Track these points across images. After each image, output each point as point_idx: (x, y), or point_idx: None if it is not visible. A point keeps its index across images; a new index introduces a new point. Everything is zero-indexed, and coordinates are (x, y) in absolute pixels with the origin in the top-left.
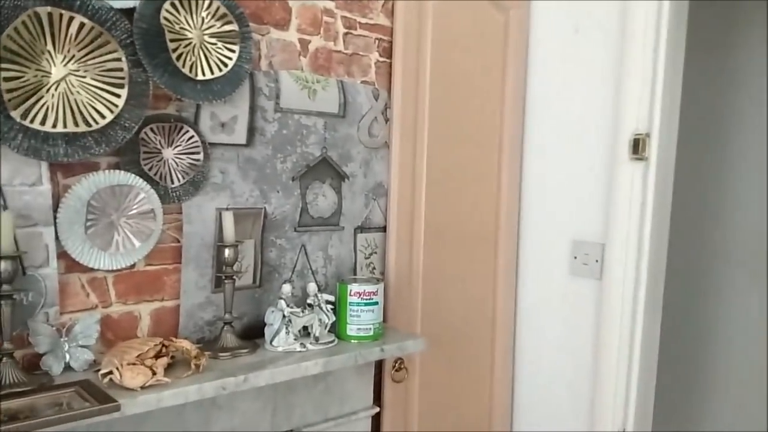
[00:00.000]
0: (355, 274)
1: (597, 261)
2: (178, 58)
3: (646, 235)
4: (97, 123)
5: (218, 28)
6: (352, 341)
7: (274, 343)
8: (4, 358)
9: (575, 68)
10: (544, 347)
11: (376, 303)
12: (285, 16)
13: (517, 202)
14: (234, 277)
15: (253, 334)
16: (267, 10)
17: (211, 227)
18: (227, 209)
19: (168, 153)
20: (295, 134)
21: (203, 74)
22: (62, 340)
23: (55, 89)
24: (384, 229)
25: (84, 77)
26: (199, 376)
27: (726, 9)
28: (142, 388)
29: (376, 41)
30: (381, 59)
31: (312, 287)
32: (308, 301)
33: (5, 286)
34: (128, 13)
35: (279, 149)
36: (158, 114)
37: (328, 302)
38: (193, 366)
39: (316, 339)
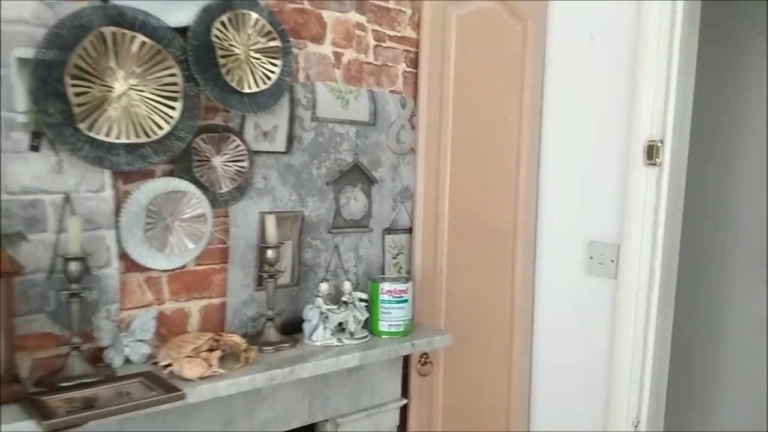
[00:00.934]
0: (383, 273)
1: (612, 261)
2: (227, 72)
3: (659, 236)
4: (155, 134)
5: (263, 44)
6: (384, 337)
7: (312, 337)
8: (73, 352)
9: (590, 75)
10: (561, 343)
11: (406, 300)
12: (321, 30)
13: (535, 205)
14: (275, 276)
15: (291, 329)
16: (305, 26)
17: (255, 230)
18: (270, 213)
19: (217, 161)
20: (329, 142)
21: (249, 87)
22: (122, 334)
23: (118, 103)
24: (410, 230)
25: (143, 91)
26: (249, 368)
27: (730, 14)
28: (200, 378)
29: (404, 53)
30: (408, 69)
31: (347, 286)
32: (343, 298)
33: (74, 285)
34: (182, 31)
35: (315, 156)
36: (208, 125)
37: (361, 300)
38: (242, 359)
39: (351, 334)
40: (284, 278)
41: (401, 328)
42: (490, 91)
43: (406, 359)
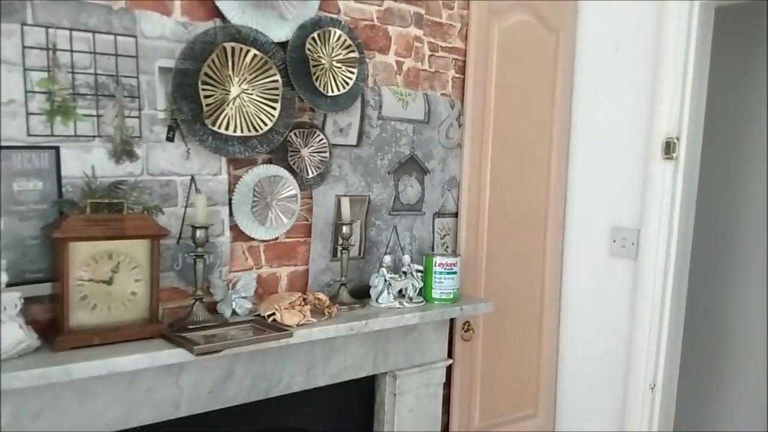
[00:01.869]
0: (433, 251)
1: (633, 244)
2: (316, 79)
3: (675, 222)
4: (261, 129)
5: (344, 55)
6: (437, 302)
7: (379, 300)
8: (197, 302)
9: (616, 81)
10: (586, 315)
11: (455, 272)
12: (387, 43)
13: (564, 194)
14: (349, 248)
15: (358, 294)
16: (374, 39)
17: (332, 210)
18: (344, 196)
19: (305, 152)
20: (391, 137)
21: (332, 91)
22: (230, 291)
23: (233, 103)
24: (456, 214)
25: (252, 94)
26: (332, 320)
27: (740, 18)
28: (297, 325)
29: (453, 61)
30: (456, 75)
31: (406, 258)
32: (403, 269)
33: (199, 249)
34: (282, 45)
35: (379, 149)
36: (299, 122)
37: (418, 271)
38: (327, 312)
39: (410, 299)
40: (353, 251)
41: (451, 296)
42: (526, 94)
43: (452, 326)
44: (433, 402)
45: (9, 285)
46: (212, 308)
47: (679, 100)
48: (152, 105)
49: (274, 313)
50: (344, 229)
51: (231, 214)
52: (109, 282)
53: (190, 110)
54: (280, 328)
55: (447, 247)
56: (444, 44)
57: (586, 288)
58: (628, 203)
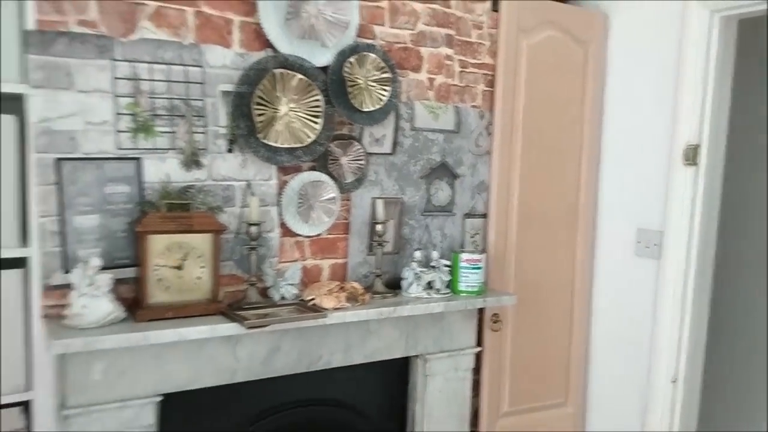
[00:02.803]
0: (462, 248)
1: (656, 245)
2: (353, 97)
3: (696, 224)
4: (305, 141)
5: (378, 76)
6: (462, 294)
7: (409, 291)
8: (251, 287)
9: (642, 89)
10: (613, 311)
11: (480, 268)
12: (418, 62)
13: (594, 198)
14: (383, 244)
15: (392, 285)
16: (407, 59)
17: (368, 210)
18: (379, 198)
19: (344, 160)
20: (423, 145)
21: (367, 107)
22: (279, 279)
23: (282, 120)
24: (485, 215)
25: (298, 111)
26: (364, 306)
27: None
28: (333, 309)
29: (483, 76)
30: (485, 89)
31: (435, 254)
32: (431, 263)
33: (253, 242)
34: (324, 68)
35: (412, 156)
36: (338, 134)
37: (446, 265)
38: (360, 299)
39: (437, 291)
40: (387, 247)
41: (476, 289)
42: (555, 103)
43: (481, 318)
44: (461, 385)
45: (102, 269)
46: (263, 292)
47: (699, 109)
48: (215, 122)
49: (314, 298)
50: (378, 227)
51: (280, 214)
52: (180, 268)
53: (246, 126)
54: (318, 310)
55: (477, 245)
56: (474, 61)
57: (613, 285)
58: (652, 206)
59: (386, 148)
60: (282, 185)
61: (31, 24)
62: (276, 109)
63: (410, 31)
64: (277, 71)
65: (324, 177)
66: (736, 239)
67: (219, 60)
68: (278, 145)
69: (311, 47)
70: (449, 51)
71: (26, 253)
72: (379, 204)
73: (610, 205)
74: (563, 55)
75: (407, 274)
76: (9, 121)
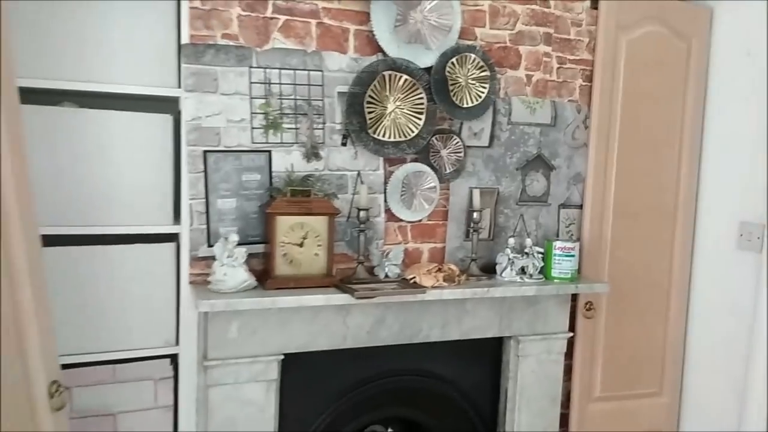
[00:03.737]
0: (557, 236)
1: (758, 238)
2: (454, 95)
3: None
4: (409, 135)
5: (477, 74)
6: (555, 280)
7: (503, 275)
8: (360, 265)
9: (746, 83)
10: (712, 305)
11: (573, 255)
12: (517, 60)
13: (695, 192)
14: (479, 230)
15: (486, 270)
16: (506, 58)
17: (465, 199)
18: (476, 188)
19: (444, 152)
20: (519, 139)
21: (467, 104)
22: (384, 260)
23: (389, 117)
24: (580, 206)
25: (403, 109)
26: (460, 286)
27: None
28: (432, 287)
29: (580, 71)
30: (583, 83)
31: (528, 241)
32: (525, 250)
33: (362, 225)
34: (427, 69)
35: (508, 149)
36: (439, 128)
37: (539, 252)
38: (456, 280)
39: (530, 276)
40: (483, 234)
41: (568, 275)
42: (655, 98)
43: (574, 305)
44: (554, 367)
45: (238, 244)
46: (370, 270)
47: None
48: (332, 119)
49: (414, 277)
50: (475, 215)
51: (385, 201)
52: (301, 245)
53: (358, 123)
54: (418, 287)
55: (571, 234)
56: (572, 57)
57: (713, 278)
58: (754, 199)
59: (484, 141)
60: (388, 175)
61: (185, 38)
62: (384, 107)
63: (509, 32)
64: (386, 73)
65: (425, 168)
66: None
67: (336, 64)
68: (385, 139)
69: (416, 50)
70: (547, 48)
71: (178, 229)
72: (476, 193)
73: (711, 199)
74: (664, 49)
75: (501, 259)
76: (167, 119)
